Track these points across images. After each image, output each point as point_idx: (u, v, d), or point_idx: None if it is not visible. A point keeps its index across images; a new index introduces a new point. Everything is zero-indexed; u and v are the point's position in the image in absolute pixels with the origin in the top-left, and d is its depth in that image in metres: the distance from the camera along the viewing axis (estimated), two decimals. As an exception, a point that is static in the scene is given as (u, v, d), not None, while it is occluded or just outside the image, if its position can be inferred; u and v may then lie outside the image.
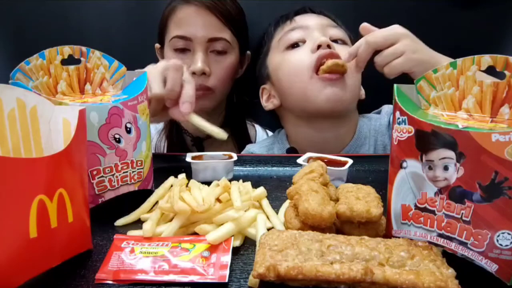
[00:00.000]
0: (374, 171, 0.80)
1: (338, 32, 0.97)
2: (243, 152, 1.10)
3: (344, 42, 0.97)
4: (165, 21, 1.05)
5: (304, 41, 0.94)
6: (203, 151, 1.10)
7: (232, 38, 1.05)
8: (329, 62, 0.87)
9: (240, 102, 1.21)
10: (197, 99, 1.06)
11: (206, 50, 1.03)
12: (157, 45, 1.13)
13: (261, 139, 1.19)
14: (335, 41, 0.95)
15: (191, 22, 1.01)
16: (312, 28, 0.95)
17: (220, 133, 0.77)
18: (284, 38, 0.97)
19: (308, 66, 0.90)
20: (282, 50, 0.97)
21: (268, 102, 1.06)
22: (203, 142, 1.17)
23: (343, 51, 0.89)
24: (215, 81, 1.05)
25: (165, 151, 1.15)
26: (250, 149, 1.09)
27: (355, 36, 0.94)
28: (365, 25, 0.82)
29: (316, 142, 1.00)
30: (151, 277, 0.46)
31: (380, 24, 0.94)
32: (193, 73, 1.02)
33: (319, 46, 0.89)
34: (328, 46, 0.90)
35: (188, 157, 0.76)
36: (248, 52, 1.15)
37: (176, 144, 1.15)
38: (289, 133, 1.07)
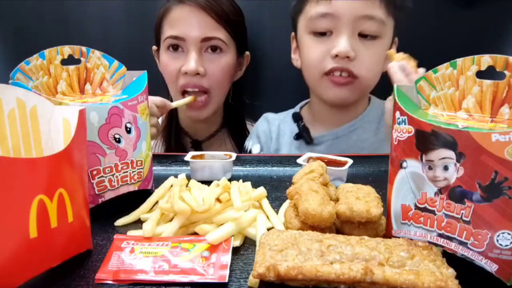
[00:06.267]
0: (374, 171, 0.80)
1: (370, 26, 0.89)
2: (259, 121, 1.13)
3: (373, 37, 0.90)
4: (160, 22, 1.05)
5: (331, 32, 0.90)
6: None
7: (228, 37, 1.03)
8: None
9: (239, 103, 1.20)
10: (195, 110, 1.07)
11: (200, 50, 1.02)
12: (154, 47, 1.12)
13: None
14: (365, 36, 0.89)
15: (184, 22, 1.00)
16: (343, 21, 0.87)
17: (188, 98, 1.02)
18: (312, 23, 0.92)
19: (321, 70, 0.91)
20: (308, 32, 0.93)
21: (295, 54, 1.03)
22: (201, 144, 1.16)
23: (364, 55, 0.88)
24: (210, 81, 1.04)
25: None
26: (269, 115, 1.12)
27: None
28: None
29: (328, 114, 1.01)
30: (151, 277, 0.46)
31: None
32: (186, 73, 1.01)
33: (337, 55, 0.88)
34: (347, 57, 0.88)
35: (188, 156, 0.76)
36: (247, 52, 1.13)
37: (173, 149, 1.15)
38: (311, 94, 1.07)
